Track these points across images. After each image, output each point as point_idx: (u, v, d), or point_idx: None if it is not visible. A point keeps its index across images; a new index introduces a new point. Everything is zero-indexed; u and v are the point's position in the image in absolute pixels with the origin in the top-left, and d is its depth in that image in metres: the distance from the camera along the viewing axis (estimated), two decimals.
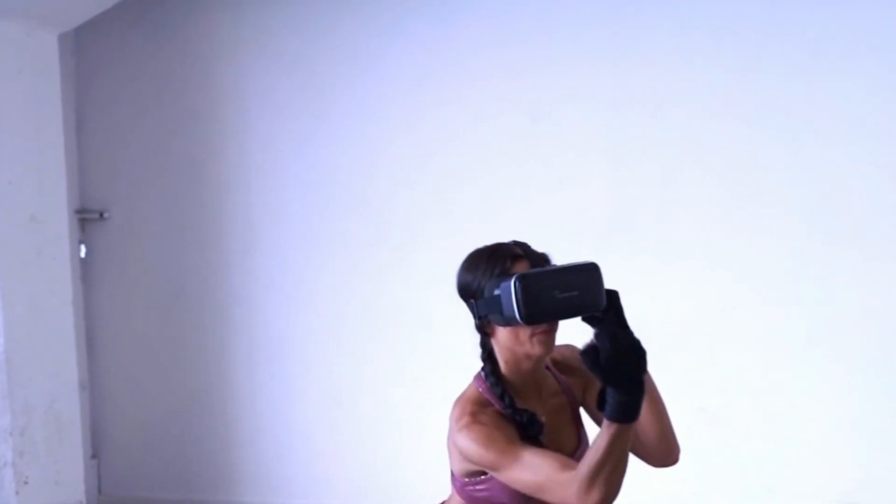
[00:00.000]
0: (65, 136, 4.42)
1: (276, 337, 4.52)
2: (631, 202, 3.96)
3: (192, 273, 4.64)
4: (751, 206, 3.82)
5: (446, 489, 2.23)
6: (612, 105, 3.97)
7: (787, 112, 3.76)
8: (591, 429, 2.14)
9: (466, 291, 2.07)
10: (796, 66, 3.74)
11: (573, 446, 2.16)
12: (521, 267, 2.00)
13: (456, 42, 4.19)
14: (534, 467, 1.93)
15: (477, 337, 2.12)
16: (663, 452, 2.12)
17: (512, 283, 1.90)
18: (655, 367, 2.11)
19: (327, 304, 4.43)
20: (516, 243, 2.08)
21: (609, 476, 1.83)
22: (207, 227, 4.60)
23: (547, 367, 2.17)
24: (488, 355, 2.10)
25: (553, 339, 2.05)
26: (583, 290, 1.94)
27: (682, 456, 2.17)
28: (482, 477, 2.05)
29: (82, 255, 4.74)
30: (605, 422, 1.80)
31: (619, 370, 1.75)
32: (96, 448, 4.82)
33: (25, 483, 4.10)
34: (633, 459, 1.92)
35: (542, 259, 2.06)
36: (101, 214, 4.73)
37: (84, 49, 4.72)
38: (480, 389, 2.10)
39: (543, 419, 2.08)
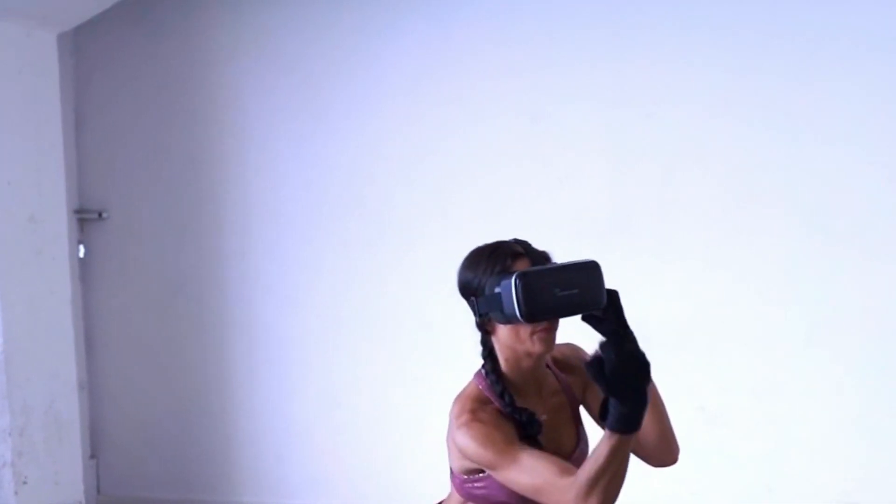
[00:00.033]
0: (64, 135, 4.42)
1: (275, 337, 4.52)
2: (630, 202, 3.96)
3: (190, 273, 4.64)
4: (750, 206, 3.82)
5: (445, 489, 2.23)
6: (611, 105, 3.97)
7: (786, 112, 3.76)
8: (591, 427, 2.14)
9: (467, 289, 2.07)
10: (796, 66, 3.74)
11: (572, 445, 2.16)
12: (522, 265, 2.00)
13: (455, 42, 4.19)
14: (532, 470, 1.93)
15: (477, 335, 2.12)
16: (663, 452, 2.12)
17: (512, 281, 1.91)
18: (655, 367, 2.10)
19: (326, 304, 4.43)
20: (517, 241, 2.08)
21: (608, 485, 1.83)
22: (206, 227, 4.60)
23: (547, 366, 2.17)
24: (489, 353, 2.10)
25: (553, 337, 2.05)
26: (583, 288, 1.94)
27: (681, 456, 2.18)
28: (480, 475, 2.05)
29: (81, 255, 4.74)
30: (607, 431, 1.80)
31: (623, 382, 1.75)
32: (95, 448, 4.82)
33: (24, 483, 4.10)
34: (632, 459, 1.92)
35: (543, 257, 2.06)
36: (100, 214, 4.73)
37: (83, 49, 4.72)
38: (481, 387, 2.10)
39: (544, 417, 2.09)
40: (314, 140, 4.39)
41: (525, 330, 2.01)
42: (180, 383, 4.68)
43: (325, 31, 4.35)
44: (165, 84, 4.63)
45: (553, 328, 2.04)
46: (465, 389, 2.12)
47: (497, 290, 1.96)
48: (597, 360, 1.75)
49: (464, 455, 2.03)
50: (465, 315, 2.17)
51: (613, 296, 2.02)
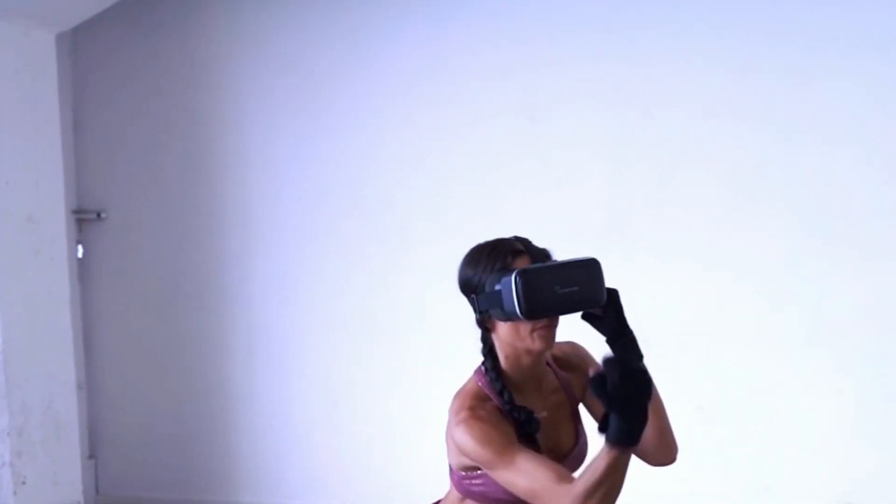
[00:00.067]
0: (62, 135, 4.41)
1: (274, 337, 4.51)
2: (629, 202, 3.96)
3: (188, 273, 4.64)
4: (749, 206, 3.82)
5: (444, 488, 2.23)
6: (609, 105, 3.97)
7: (785, 112, 3.76)
8: (590, 425, 2.14)
9: (467, 286, 2.07)
10: (794, 66, 3.74)
11: (571, 443, 2.16)
12: (522, 262, 2.01)
13: (453, 42, 4.19)
14: (529, 473, 1.93)
15: (476, 334, 2.12)
16: (661, 451, 2.13)
17: (513, 279, 1.92)
18: (653, 367, 2.10)
19: (325, 303, 4.43)
20: (517, 238, 2.09)
21: (603, 497, 1.84)
22: (204, 227, 4.60)
23: (548, 364, 2.17)
24: (489, 350, 2.10)
25: (553, 335, 2.06)
26: (583, 285, 1.95)
27: (679, 455, 2.18)
28: (478, 472, 2.05)
29: (79, 255, 4.73)
30: (606, 445, 1.80)
31: (625, 399, 1.75)
32: (94, 448, 4.81)
33: (23, 483, 4.09)
34: (631, 459, 1.92)
35: (543, 254, 2.06)
36: (99, 214, 4.72)
37: (81, 49, 4.72)
38: (480, 384, 2.10)
39: (544, 414, 2.09)
40: (313, 140, 4.39)
41: (525, 327, 2.01)
42: (179, 383, 4.67)
43: (325, 31, 4.35)
44: (164, 84, 4.63)
45: (553, 325, 2.04)
46: (464, 386, 2.13)
47: (497, 287, 1.96)
48: (600, 377, 1.75)
49: (461, 452, 2.03)
50: (464, 315, 2.17)
51: (613, 295, 2.03)
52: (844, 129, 3.70)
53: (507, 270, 1.97)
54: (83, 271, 4.76)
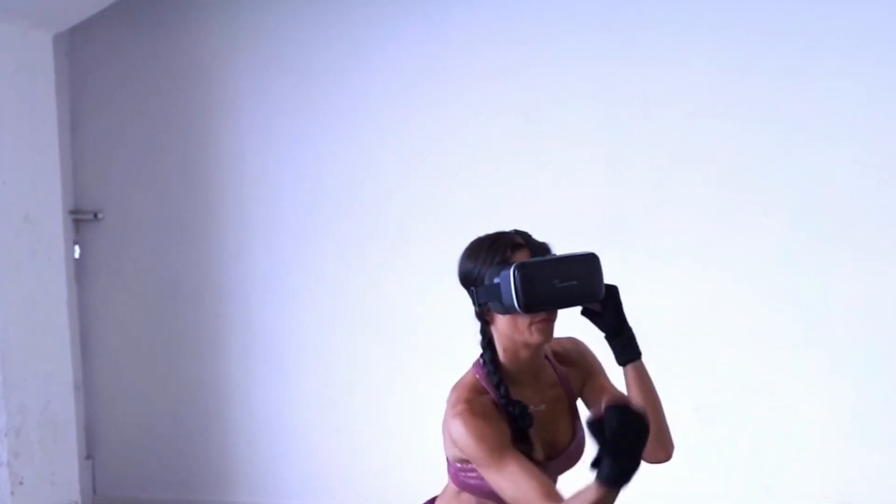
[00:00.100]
0: (59, 136, 4.41)
1: (272, 337, 4.51)
2: (627, 201, 3.97)
3: (186, 273, 4.63)
4: (745, 206, 3.83)
5: (443, 488, 2.23)
6: (607, 104, 3.98)
7: (781, 112, 3.77)
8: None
9: (467, 279, 2.08)
10: (792, 66, 3.75)
11: (568, 438, 2.16)
12: (522, 256, 2.01)
13: (451, 42, 4.19)
14: (516, 482, 1.93)
15: (474, 328, 2.12)
16: (657, 449, 2.13)
17: (511, 272, 1.93)
18: (650, 367, 2.11)
19: (322, 303, 4.43)
20: (517, 232, 2.09)
21: None
22: (201, 227, 4.59)
23: (547, 358, 2.18)
24: (488, 343, 2.11)
25: (551, 328, 2.06)
26: (582, 279, 1.96)
27: (676, 455, 2.18)
28: (472, 464, 2.05)
29: (76, 255, 4.74)
30: (596, 482, 1.77)
31: (622, 446, 1.73)
32: (91, 448, 4.81)
33: (21, 484, 4.09)
34: None
35: (543, 248, 2.07)
36: (96, 215, 4.72)
37: (78, 49, 4.72)
38: (478, 376, 2.10)
39: (542, 408, 2.09)
40: (311, 140, 4.39)
41: (523, 320, 2.01)
42: (176, 384, 4.67)
43: (322, 31, 4.36)
44: (161, 84, 4.63)
45: (551, 319, 2.04)
46: (462, 378, 2.13)
47: (496, 280, 1.97)
48: (598, 421, 1.73)
49: (455, 444, 2.04)
50: (462, 314, 2.18)
51: (613, 291, 2.03)
52: (841, 130, 3.70)
53: (506, 264, 1.98)
54: (80, 272, 4.76)
